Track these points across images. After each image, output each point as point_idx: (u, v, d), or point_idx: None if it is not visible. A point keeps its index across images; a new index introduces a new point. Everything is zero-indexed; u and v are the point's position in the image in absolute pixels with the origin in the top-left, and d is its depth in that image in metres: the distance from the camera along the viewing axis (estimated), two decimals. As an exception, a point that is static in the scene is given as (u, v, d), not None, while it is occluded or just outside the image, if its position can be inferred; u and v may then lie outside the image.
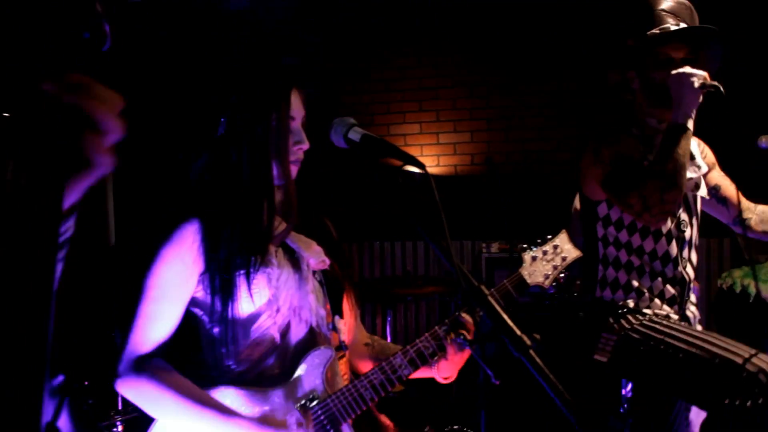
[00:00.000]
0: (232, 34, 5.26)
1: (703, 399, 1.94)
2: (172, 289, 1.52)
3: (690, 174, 2.23)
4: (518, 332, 1.00)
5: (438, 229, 1.19)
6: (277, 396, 1.56)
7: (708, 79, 2.02)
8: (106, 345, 2.77)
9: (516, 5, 4.96)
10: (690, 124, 2.03)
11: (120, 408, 2.57)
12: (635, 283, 2.19)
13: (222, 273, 1.52)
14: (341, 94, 5.24)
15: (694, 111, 2.04)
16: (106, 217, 4.08)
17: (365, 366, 1.78)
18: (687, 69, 2.03)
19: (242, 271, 1.53)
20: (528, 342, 0.99)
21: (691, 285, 2.25)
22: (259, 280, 1.55)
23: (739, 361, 1.87)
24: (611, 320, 2.16)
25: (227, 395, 1.53)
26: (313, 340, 1.64)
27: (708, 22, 2.17)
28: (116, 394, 2.44)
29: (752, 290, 3.79)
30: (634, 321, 2.13)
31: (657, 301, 2.18)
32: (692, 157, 2.27)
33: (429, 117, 5.19)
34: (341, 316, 1.75)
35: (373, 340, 1.86)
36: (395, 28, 5.18)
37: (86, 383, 2.55)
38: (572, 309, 3.63)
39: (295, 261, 1.65)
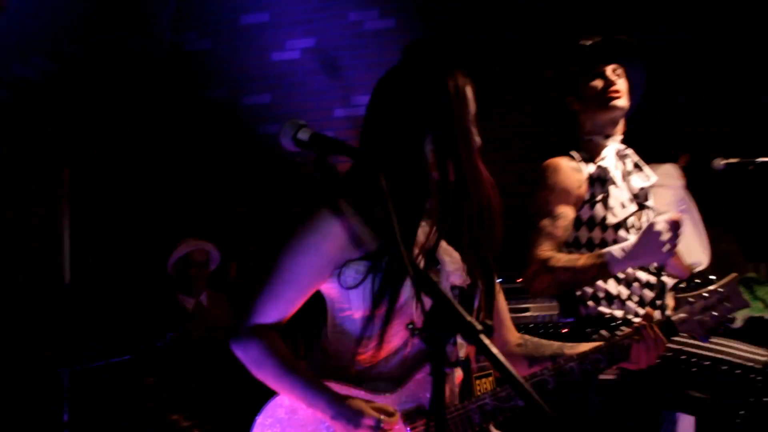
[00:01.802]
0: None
1: (724, 405, 1.91)
2: (303, 277, 1.56)
3: (641, 183, 2.29)
4: (468, 317, 0.96)
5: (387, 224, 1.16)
6: (383, 402, 1.53)
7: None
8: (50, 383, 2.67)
9: (477, 42, 5.06)
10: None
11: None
12: (615, 292, 2.19)
13: (357, 269, 1.53)
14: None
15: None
16: (61, 255, 3.97)
17: (521, 368, 1.72)
18: (664, 229, 1.95)
19: (380, 273, 1.51)
20: (479, 327, 0.95)
21: (667, 288, 2.24)
22: (392, 284, 1.53)
23: (758, 366, 1.86)
24: (606, 335, 2.13)
25: (338, 390, 1.52)
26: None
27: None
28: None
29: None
30: None
31: (639, 308, 2.18)
32: (641, 167, 2.33)
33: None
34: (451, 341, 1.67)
35: (525, 339, 1.79)
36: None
37: None
38: (557, 331, 3.62)
39: (435, 273, 1.59)
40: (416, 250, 1.54)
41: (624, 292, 2.20)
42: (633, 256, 1.97)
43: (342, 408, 1.47)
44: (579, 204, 2.23)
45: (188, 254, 3.81)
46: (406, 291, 1.53)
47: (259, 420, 1.56)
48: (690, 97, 4.63)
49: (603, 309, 2.18)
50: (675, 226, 1.93)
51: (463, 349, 1.66)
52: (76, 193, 3.95)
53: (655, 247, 1.92)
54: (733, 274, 1.67)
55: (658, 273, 2.23)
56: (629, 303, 2.19)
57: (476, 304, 1.64)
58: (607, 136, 2.33)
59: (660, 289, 2.23)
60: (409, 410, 1.54)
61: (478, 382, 1.65)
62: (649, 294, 2.21)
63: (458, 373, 1.66)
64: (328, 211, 1.55)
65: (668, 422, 2.27)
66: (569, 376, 1.57)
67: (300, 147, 1.43)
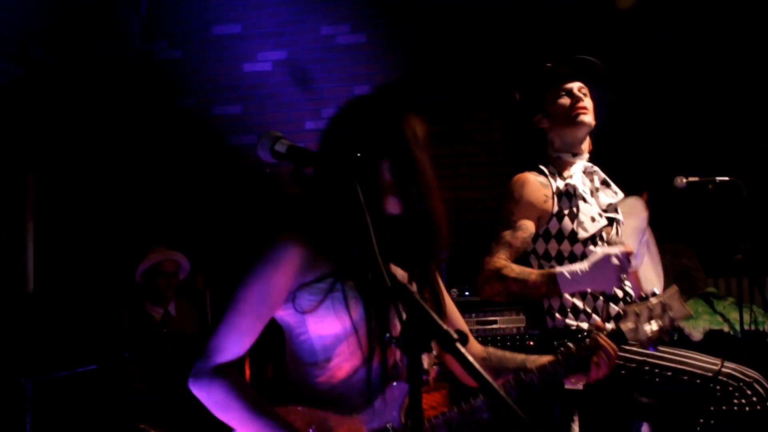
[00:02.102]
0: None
1: (688, 414, 1.95)
2: (259, 306, 1.56)
3: (609, 199, 2.35)
4: (444, 326, 0.99)
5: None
6: (352, 423, 1.54)
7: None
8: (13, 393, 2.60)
9: (443, 57, 5.13)
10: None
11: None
12: (581, 305, 2.24)
13: (308, 291, 1.56)
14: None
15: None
16: (25, 263, 3.89)
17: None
18: (618, 260, 2.01)
19: (332, 294, 1.55)
20: (454, 335, 0.98)
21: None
22: (343, 303, 1.56)
23: (710, 374, 1.91)
24: (572, 346, 2.17)
25: (301, 414, 1.54)
26: (396, 368, 1.62)
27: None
28: None
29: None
30: None
31: (603, 322, 2.23)
32: (608, 184, 2.40)
33: (363, 165, 5.24)
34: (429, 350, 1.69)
35: (489, 353, 1.82)
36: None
37: None
38: (524, 343, 3.66)
39: (380, 289, 1.59)
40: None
41: (589, 305, 2.25)
42: (583, 281, 2.04)
43: None
44: (546, 218, 2.29)
45: (157, 264, 3.77)
46: (358, 310, 1.56)
47: None
48: (653, 116, 4.76)
49: (569, 321, 2.23)
50: (627, 258, 2.00)
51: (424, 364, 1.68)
52: (41, 199, 3.88)
53: (607, 276, 2.00)
54: (674, 286, 1.79)
55: (622, 289, 2.29)
56: (595, 316, 2.24)
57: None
58: (575, 154, 2.41)
59: (624, 303, 2.29)
60: (377, 429, 1.56)
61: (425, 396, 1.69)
62: (614, 308, 2.26)
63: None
64: (279, 240, 1.58)
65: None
66: (530, 387, 1.64)
67: (277, 159, 1.45)
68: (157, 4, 5.52)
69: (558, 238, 2.28)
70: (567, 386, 2.10)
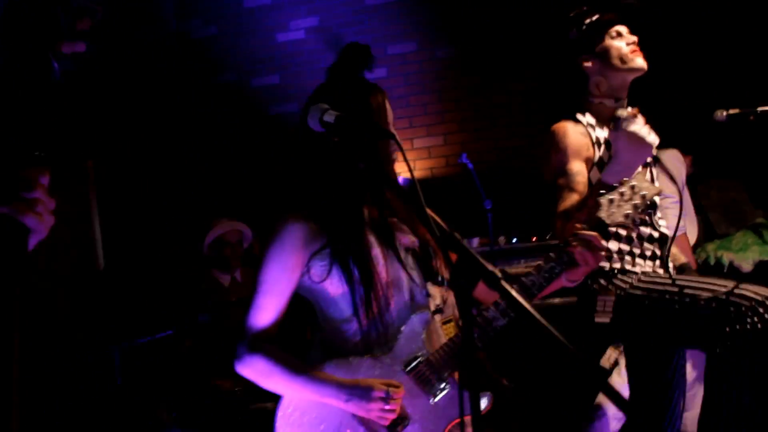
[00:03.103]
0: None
1: (708, 337, 1.99)
2: (278, 283, 1.75)
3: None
4: (489, 267, 1.11)
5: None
6: (385, 361, 1.75)
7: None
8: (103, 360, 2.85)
9: (475, 9, 5.13)
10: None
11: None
12: (615, 247, 2.27)
13: (323, 257, 1.75)
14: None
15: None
16: (94, 242, 4.14)
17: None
18: (647, 132, 2.00)
19: (344, 253, 1.74)
20: (498, 273, 1.10)
21: (670, 241, 2.33)
22: (356, 258, 1.74)
23: (723, 296, 1.96)
24: (604, 283, 2.24)
25: (342, 366, 1.74)
26: (411, 307, 1.82)
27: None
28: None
29: (725, 260, 3.95)
30: (628, 280, 2.22)
31: (639, 260, 2.28)
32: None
33: (402, 124, 5.33)
34: (437, 283, 1.89)
35: None
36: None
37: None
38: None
39: (388, 241, 1.82)
40: (367, 227, 1.79)
41: (625, 248, 2.28)
42: (623, 164, 1.99)
43: (352, 390, 1.67)
44: (588, 165, 2.29)
45: (222, 235, 3.98)
46: (370, 262, 1.75)
47: (280, 413, 1.74)
48: (686, 51, 4.70)
49: (602, 264, 2.26)
50: (637, 115, 2.02)
51: (437, 298, 1.89)
52: (102, 183, 4.11)
53: (639, 146, 1.98)
54: (640, 170, 1.88)
55: (657, 227, 2.32)
56: (630, 257, 2.26)
57: (434, 260, 1.87)
58: (618, 99, 2.37)
59: (661, 241, 2.33)
60: (407, 360, 1.75)
61: (444, 327, 1.87)
62: (649, 247, 2.30)
63: (437, 320, 1.88)
64: (283, 220, 1.77)
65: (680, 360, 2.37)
66: (531, 288, 1.79)
67: (326, 128, 1.57)
68: (188, -17, 5.64)
69: None
70: (597, 320, 2.20)
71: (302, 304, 1.85)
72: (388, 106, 1.87)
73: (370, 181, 1.80)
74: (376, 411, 1.64)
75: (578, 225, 1.85)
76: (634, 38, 2.35)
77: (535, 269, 1.80)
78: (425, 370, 1.74)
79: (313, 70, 5.40)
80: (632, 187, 1.83)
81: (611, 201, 1.82)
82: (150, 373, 3.23)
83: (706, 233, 4.74)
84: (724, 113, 3.27)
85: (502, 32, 5.09)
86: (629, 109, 2.08)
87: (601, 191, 1.85)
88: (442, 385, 1.73)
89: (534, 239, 4.25)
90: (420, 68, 5.29)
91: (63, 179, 4.09)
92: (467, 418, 1.56)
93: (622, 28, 2.36)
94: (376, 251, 1.78)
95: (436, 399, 1.73)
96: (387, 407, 1.64)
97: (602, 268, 2.27)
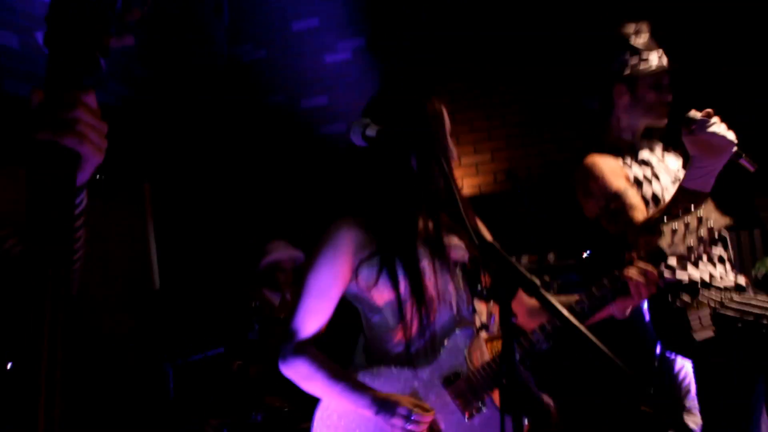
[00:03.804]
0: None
1: None
2: (329, 287, 1.76)
3: (677, 163, 2.34)
4: (528, 276, 1.12)
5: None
6: (425, 374, 1.74)
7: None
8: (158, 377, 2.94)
9: (515, 23, 5.13)
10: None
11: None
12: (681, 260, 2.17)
13: (370, 266, 1.75)
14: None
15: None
16: (150, 264, 4.28)
17: (541, 319, 1.86)
18: (725, 131, 1.91)
19: (392, 263, 1.74)
20: (538, 282, 1.10)
21: (723, 244, 2.28)
22: (404, 268, 1.75)
23: None
24: (687, 299, 2.17)
25: (381, 375, 1.75)
26: (456, 321, 1.80)
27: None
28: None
29: (787, 274, 3.80)
30: (715, 296, 2.15)
31: (710, 268, 2.21)
32: (668, 150, 2.39)
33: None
34: (480, 297, 1.88)
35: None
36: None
37: None
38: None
39: (439, 253, 1.80)
40: (420, 240, 1.77)
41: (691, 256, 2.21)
42: (705, 167, 1.91)
43: (382, 403, 1.66)
44: (629, 183, 2.24)
45: (278, 261, 4.07)
46: (417, 273, 1.74)
47: (318, 414, 1.76)
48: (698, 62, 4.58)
49: (679, 276, 2.18)
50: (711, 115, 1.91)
51: (483, 315, 1.85)
52: (158, 205, 4.25)
53: (719, 146, 1.89)
54: (707, 199, 1.81)
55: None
56: (701, 265, 2.20)
57: (483, 276, 1.84)
58: (632, 137, 2.37)
59: (723, 241, 2.27)
60: (446, 375, 1.74)
61: (489, 344, 1.84)
62: (715, 252, 2.23)
63: (483, 336, 1.84)
64: (335, 225, 1.78)
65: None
66: (579, 315, 1.73)
67: (368, 143, 1.61)
68: (238, 8, 5.81)
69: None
70: (698, 337, 2.09)
71: (350, 308, 1.86)
72: (446, 115, 1.86)
73: (425, 191, 1.78)
74: (398, 428, 1.64)
75: (635, 254, 1.77)
76: (669, 97, 2.32)
77: (585, 295, 1.75)
78: (464, 386, 1.73)
79: (361, 90, 5.48)
80: (699, 218, 1.73)
81: (674, 231, 1.73)
82: (201, 389, 3.30)
83: (766, 247, 4.59)
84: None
85: (545, 51, 5.07)
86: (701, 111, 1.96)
87: (665, 218, 1.75)
88: (479, 404, 1.72)
89: (584, 254, 4.19)
90: (465, 86, 5.30)
91: (120, 201, 4.24)
92: None
93: (665, 80, 2.33)
94: (426, 263, 1.77)
95: (472, 417, 1.71)
96: (408, 427, 1.63)
97: (679, 281, 2.19)
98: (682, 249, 1.73)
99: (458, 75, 5.30)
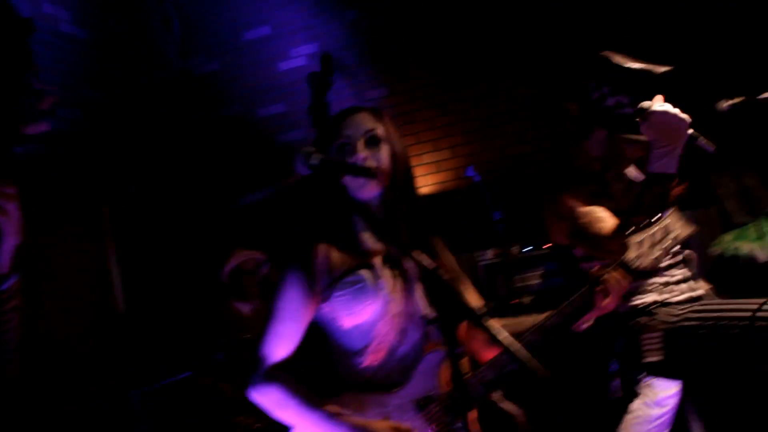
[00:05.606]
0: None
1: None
2: (294, 311, 1.75)
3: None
4: (471, 305, 1.13)
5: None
6: (397, 399, 1.72)
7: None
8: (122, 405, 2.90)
9: (473, 20, 5.16)
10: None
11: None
12: (647, 282, 2.22)
13: (336, 289, 1.74)
14: (321, 133, 5.41)
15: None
16: (112, 286, 4.21)
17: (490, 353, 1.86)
18: (676, 111, 1.92)
19: (357, 285, 1.73)
20: (482, 310, 1.12)
21: (689, 262, 2.30)
22: (369, 290, 1.73)
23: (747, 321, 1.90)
24: (644, 321, 2.18)
25: (353, 401, 1.72)
26: (426, 343, 1.78)
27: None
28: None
29: (743, 252, 3.89)
30: (675, 312, 2.15)
31: (674, 287, 2.24)
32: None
33: (409, 141, 5.36)
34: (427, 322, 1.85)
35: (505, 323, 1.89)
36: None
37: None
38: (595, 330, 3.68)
39: (402, 271, 1.78)
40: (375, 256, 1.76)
41: (658, 280, 2.23)
42: (664, 147, 1.92)
43: None
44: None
45: (239, 264, 4.03)
46: (384, 295, 1.73)
47: None
48: (685, 46, 4.67)
49: (635, 302, 2.20)
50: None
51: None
52: (119, 228, 4.19)
53: (673, 123, 1.91)
54: (672, 208, 1.80)
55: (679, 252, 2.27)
56: (660, 286, 2.22)
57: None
58: (603, 164, 2.35)
59: (687, 262, 2.30)
60: (419, 399, 1.72)
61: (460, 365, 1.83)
62: (676, 272, 2.25)
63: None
64: (303, 247, 1.78)
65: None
66: (554, 329, 1.73)
67: (313, 171, 1.61)
68: (188, 21, 5.74)
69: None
70: (647, 360, 2.12)
71: (319, 333, 1.84)
72: (359, 119, 1.83)
73: (371, 217, 1.78)
74: None
75: (601, 269, 1.77)
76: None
77: (557, 312, 1.75)
78: (437, 410, 1.71)
79: (317, 96, 5.45)
80: (664, 228, 1.75)
81: (640, 243, 1.74)
82: (170, 414, 3.27)
83: (723, 224, 4.68)
84: (726, 104, 3.17)
85: (501, 43, 5.11)
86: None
87: (629, 231, 1.76)
88: (456, 426, 1.70)
89: (546, 246, 4.24)
90: (423, 83, 5.32)
91: (79, 227, 4.17)
92: None
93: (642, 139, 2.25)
94: (390, 285, 1.75)
95: None
96: None
97: (636, 306, 2.21)
98: (647, 262, 1.74)
99: (414, 74, 5.32)
